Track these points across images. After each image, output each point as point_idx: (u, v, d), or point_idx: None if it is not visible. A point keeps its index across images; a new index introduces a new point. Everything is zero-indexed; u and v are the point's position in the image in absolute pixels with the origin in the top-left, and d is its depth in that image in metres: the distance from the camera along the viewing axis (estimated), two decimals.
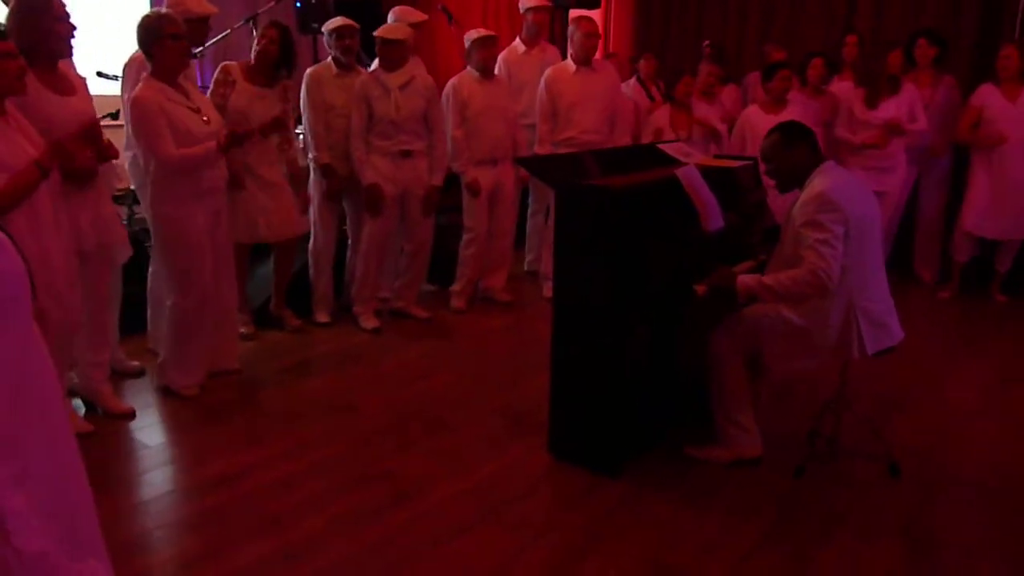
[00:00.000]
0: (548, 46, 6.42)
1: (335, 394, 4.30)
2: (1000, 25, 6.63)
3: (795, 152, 3.35)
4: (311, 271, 5.35)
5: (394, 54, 4.99)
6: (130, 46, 4.10)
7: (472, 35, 5.52)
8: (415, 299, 5.58)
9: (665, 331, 3.63)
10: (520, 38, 6.31)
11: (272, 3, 6.15)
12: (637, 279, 3.27)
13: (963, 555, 2.96)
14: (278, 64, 4.79)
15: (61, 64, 3.61)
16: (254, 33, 5.44)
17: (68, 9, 3.54)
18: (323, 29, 5.22)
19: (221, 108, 4.57)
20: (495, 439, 3.82)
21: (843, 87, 6.25)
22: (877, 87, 5.85)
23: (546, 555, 2.92)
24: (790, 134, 3.38)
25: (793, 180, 3.39)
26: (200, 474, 3.46)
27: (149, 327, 4.66)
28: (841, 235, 3.16)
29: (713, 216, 3.57)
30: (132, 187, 4.87)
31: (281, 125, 4.67)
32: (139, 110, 3.81)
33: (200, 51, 4.88)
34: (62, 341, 3.41)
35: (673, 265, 3.41)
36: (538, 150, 5.73)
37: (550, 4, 6.37)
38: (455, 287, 5.79)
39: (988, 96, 5.72)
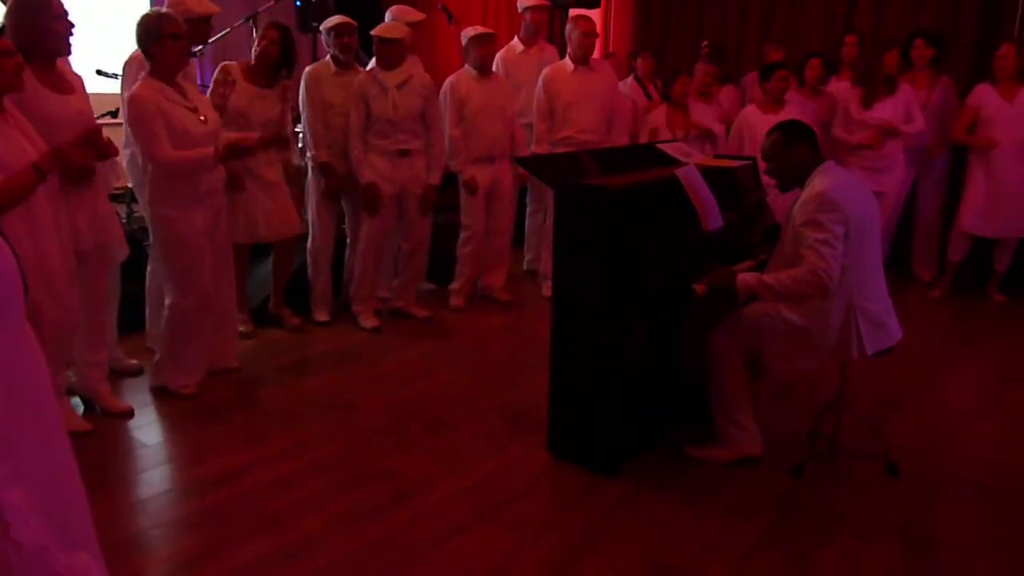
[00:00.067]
0: (546, 45, 6.42)
1: (334, 393, 4.30)
2: (1000, 24, 6.64)
3: (796, 151, 3.35)
4: (309, 270, 5.34)
5: (391, 53, 4.99)
6: (130, 45, 4.09)
7: (469, 32, 5.51)
8: (414, 298, 5.58)
9: (665, 331, 3.63)
10: (518, 37, 6.31)
11: (272, 2, 6.14)
12: (636, 279, 3.27)
13: (961, 555, 2.96)
14: (278, 65, 4.79)
15: (58, 63, 3.61)
16: (254, 32, 5.45)
17: (67, 7, 3.54)
18: (321, 28, 5.21)
19: (221, 108, 4.57)
20: (494, 438, 3.82)
21: (841, 87, 6.26)
22: (874, 87, 5.85)
23: (545, 554, 2.92)
24: (791, 133, 3.38)
25: (793, 179, 3.39)
26: (199, 473, 3.46)
27: (147, 326, 4.66)
28: (841, 235, 3.16)
29: (712, 216, 3.57)
30: (130, 185, 4.87)
31: (283, 140, 4.65)
32: (136, 109, 3.80)
33: (200, 50, 4.87)
34: (61, 341, 3.42)
35: (672, 265, 3.41)
36: (536, 149, 5.73)
37: (548, 3, 6.37)
38: (454, 286, 5.79)
39: (985, 96, 5.73)
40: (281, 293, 5.24)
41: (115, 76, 4.80)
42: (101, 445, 3.68)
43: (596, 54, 6.18)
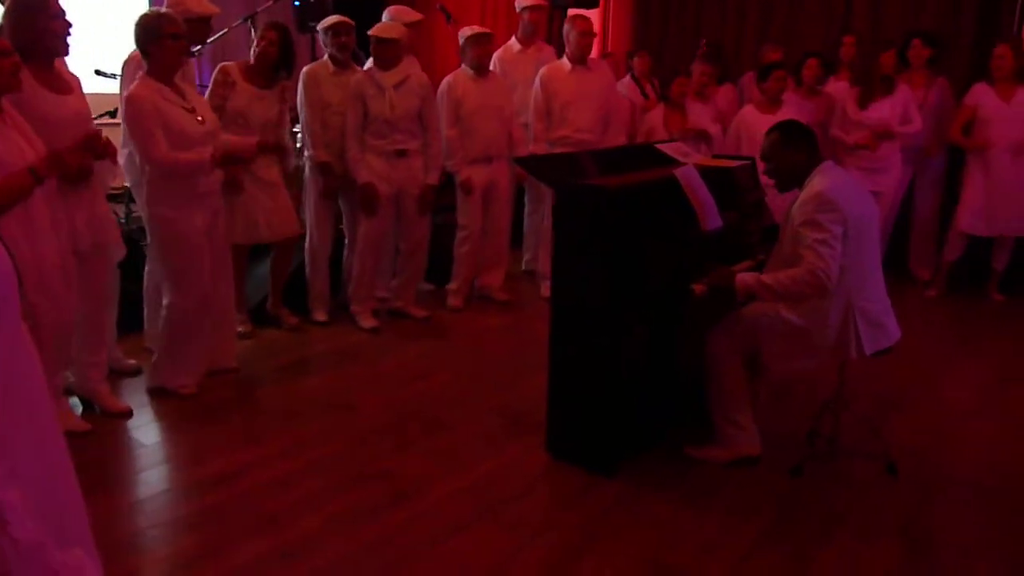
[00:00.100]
0: (544, 46, 6.41)
1: (333, 393, 4.29)
2: (999, 24, 6.64)
3: (794, 152, 3.35)
4: (307, 270, 5.34)
5: (388, 53, 4.98)
6: (129, 45, 4.09)
7: (466, 32, 5.51)
8: (413, 298, 5.57)
9: (664, 331, 3.63)
10: (516, 37, 6.31)
11: (270, 2, 6.14)
12: (635, 279, 3.27)
13: (961, 555, 2.96)
14: (277, 65, 4.78)
15: (55, 63, 3.60)
16: (252, 32, 5.44)
17: (65, 7, 3.53)
18: (318, 28, 5.21)
19: (220, 109, 4.57)
20: (493, 438, 3.81)
21: (839, 87, 6.26)
22: (870, 87, 5.85)
23: (543, 554, 2.92)
24: (789, 134, 3.38)
25: (792, 179, 3.39)
26: (197, 473, 3.45)
27: (146, 326, 4.66)
28: (840, 235, 3.16)
29: (711, 216, 3.57)
30: (127, 185, 4.86)
31: (281, 148, 4.63)
32: (134, 109, 3.80)
33: (198, 50, 4.87)
34: (58, 341, 3.41)
35: (671, 265, 3.40)
36: (533, 148, 5.72)
37: (546, 4, 6.36)
38: (451, 286, 5.79)
39: (982, 96, 5.74)
40: (279, 293, 5.23)
41: (114, 76, 4.79)
42: (100, 445, 3.67)
43: (594, 54, 6.17)
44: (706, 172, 3.71)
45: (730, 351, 3.46)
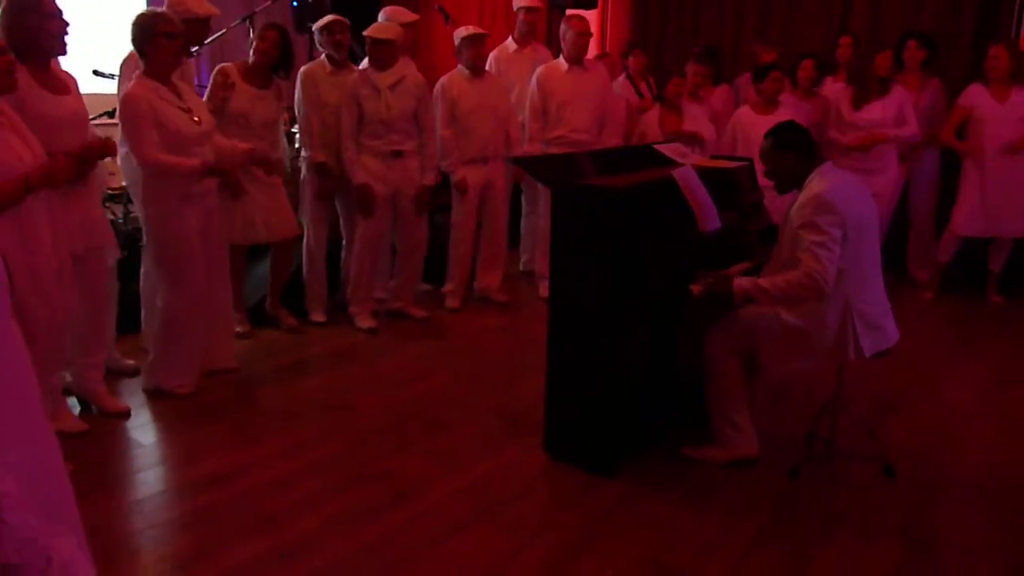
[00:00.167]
0: (540, 46, 6.42)
1: (332, 393, 4.29)
2: (998, 25, 6.65)
3: (787, 156, 3.35)
4: (305, 270, 5.33)
5: (384, 53, 4.97)
6: (127, 45, 4.08)
7: (461, 32, 5.50)
8: (411, 299, 5.57)
9: (664, 331, 3.62)
10: (512, 37, 6.32)
11: (268, 2, 6.14)
12: (633, 279, 3.27)
13: (963, 555, 2.96)
14: (276, 66, 4.78)
15: (52, 63, 3.59)
16: (251, 32, 5.43)
17: (62, 7, 3.52)
18: (313, 28, 5.20)
19: (220, 111, 4.56)
20: (491, 439, 3.81)
21: (836, 88, 6.26)
22: (865, 88, 5.85)
23: (542, 554, 2.92)
24: (781, 137, 3.38)
25: (790, 181, 3.39)
26: (195, 473, 3.45)
27: (143, 326, 4.65)
28: (838, 238, 3.16)
29: (710, 217, 3.57)
30: (124, 184, 4.85)
31: (269, 163, 4.59)
32: (129, 108, 3.79)
33: (197, 50, 4.86)
34: (53, 341, 3.38)
35: (670, 265, 3.40)
36: (528, 148, 5.73)
37: (543, 5, 6.36)
38: (447, 287, 5.78)
39: (977, 96, 5.74)
40: (278, 294, 5.23)
41: (112, 76, 4.79)
42: (98, 445, 3.67)
43: (590, 54, 6.17)
44: (704, 173, 3.71)
45: (728, 352, 3.46)
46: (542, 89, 5.76)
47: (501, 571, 2.83)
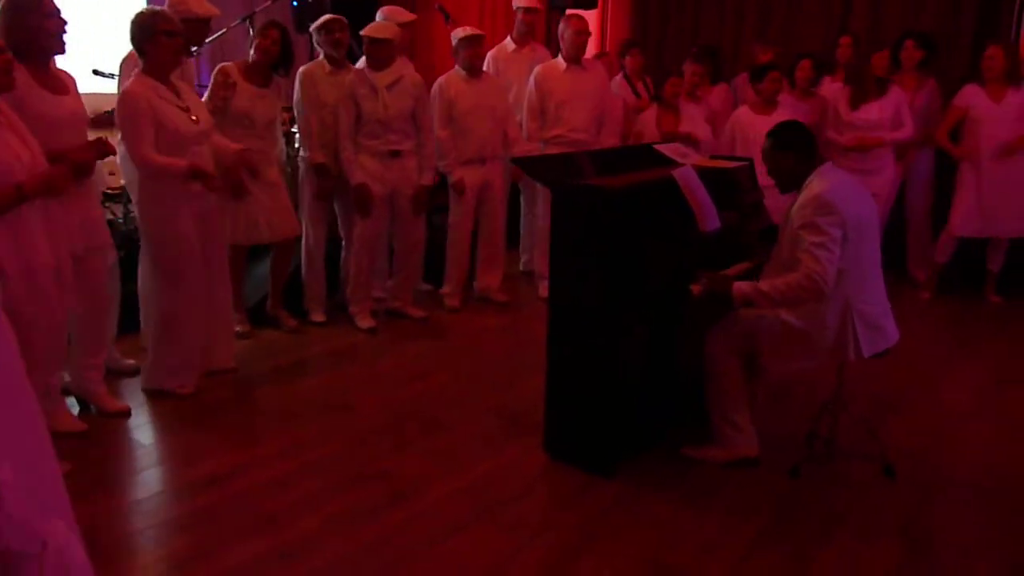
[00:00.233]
0: (538, 46, 6.43)
1: (331, 393, 4.29)
2: (998, 26, 6.65)
3: (787, 155, 3.36)
4: (304, 270, 5.33)
5: (381, 53, 4.97)
6: (127, 44, 4.08)
7: (459, 33, 5.50)
8: (410, 299, 5.57)
9: (664, 331, 3.63)
10: (511, 37, 6.32)
11: (268, 2, 6.14)
12: (632, 279, 3.27)
13: (961, 555, 2.96)
14: (276, 64, 4.78)
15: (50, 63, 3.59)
16: (251, 32, 5.43)
17: (62, 7, 3.52)
18: (311, 28, 5.20)
19: (222, 111, 4.56)
20: (491, 439, 3.81)
21: (834, 88, 6.26)
22: (863, 88, 5.85)
23: (542, 554, 2.92)
24: (781, 138, 3.38)
25: (790, 182, 3.39)
26: (195, 473, 3.44)
27: (142, 326, 4.65)
28: (838, 238, 3.16)
29: (709, 217, 3.57)
30: (123, 183, 4.85)
31: (252, 165, 4.58)
32: (127, 106, 3.79)
33: (196, 50, 4.86)
34: (51, 341, 3.37)
35: (670, 265, 3.40)
36: (526, 147, 5.72)
37: (542, 7, 6.36)
38: (445, 288, 5.78)
39: (973, 96, 5.74)
40: (279, 294, 5.22)
41: (111, 76, 4.79)
42: (98, 445, 3.67)
43: (589, 54, 6.17)
44: (704, 173, 3.71)
45: (728, 352, 3.46)
46: (540, 88, 5.76)
47: (500, 571, 2.83)
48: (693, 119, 5.97)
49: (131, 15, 3.89)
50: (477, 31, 5.56)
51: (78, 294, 3.57)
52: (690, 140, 5.65)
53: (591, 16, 7.25)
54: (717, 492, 3.36)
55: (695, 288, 3.30)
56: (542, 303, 5.29)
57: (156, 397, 4.15)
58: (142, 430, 3.86)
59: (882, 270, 3.43)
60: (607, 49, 8.62)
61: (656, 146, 4.20)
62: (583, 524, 3.10)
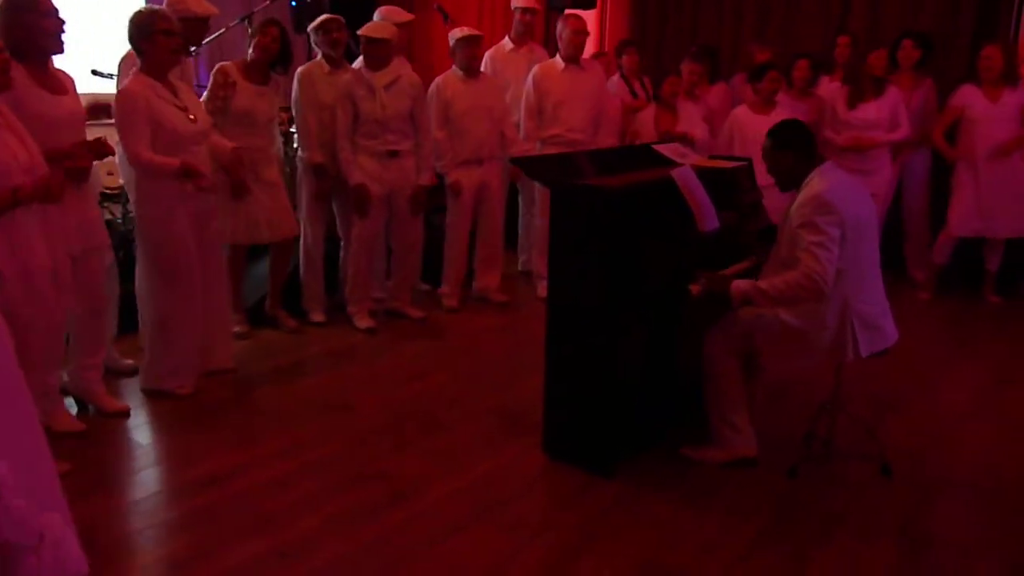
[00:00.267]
0: (536, 46, 6.43)
1: (330, 393, 4.29)
2: (997, 25, 6.65)
3: (786, 154, 3.36)
4: (302, 270, 5.33)
5: (379, 53, 4.97)
6: (126, 44, 4.08)
7: (456, 34, 5.50)
8: (409, 299, 5.57)
9: (663, 331, 3.63)
10: (509, 36, 6.32)
11: (267, 2, 6.13)
12: (631, 279, 3.27)
13: (961, 555, 2.96)
14: (274, 62, 4.78)
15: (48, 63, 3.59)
16: (249, 32, 5.43)
17: (61, 7, 3.51)
18: (308, 29, 5.20)
19: (222, 110, 4.56)
20: (490, 439, 3.81)
21: (832, 87, 6.26)
22: (860, 87, 5.85)
23: (542, 554, 2.92)
24: (780, 137, 3.39)
25: (790, 181, 3.39)
26: (194, 473, 3.44)
27: (141, 326, 4.64)
28: (837, 238, 3.16)
29: (708, 217, 3.57)
30: (121, 182, 4.84)
31: (235, 165, 4.56)
32: (124, 104, 3.79)
33: (195, 50, 4.86)
34: (49, 341, 3.37)
35: (669, 265, 3.40)
36: (524, 147, 5.72)
37: (541, 7, 6.36)
38: (444, 288, 5.78)
39: (969, 96, 5.75)
40: (278, 294, 5.22)
41: (110, 76, 4.78)
42: (96, 445, 3.66)
43: (587, 53, 6.17)
44: (703, 173, 3.71)
45: (727, 352, 3.46)
46: (538, 88, 5.76)
47: (500, 571, 2.83)
48: (691, 118, 5.96)
49: (130, 15, 3.89)
50: (474, 32, 5.56)
51: (76, 295, 3.57)
52: (686, 140, 5.65)
53: (590, 16, 7.25)
54: (717, 492, 3.36)
55: (694, 288, 3.30)
56: (541, 303, 5.28)
57: (155, 397, 4.14)
58: (141, 430, 3.86)
59: (881, 270, 3.43)
60: (606, 49, 8.62)
61: (655, 146, 4.20)
62: (583, 524, 3.10)
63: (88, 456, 3.52)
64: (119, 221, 5.44)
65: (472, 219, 5.73)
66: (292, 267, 5.28)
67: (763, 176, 3.92)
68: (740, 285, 3.26)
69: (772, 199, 4.02)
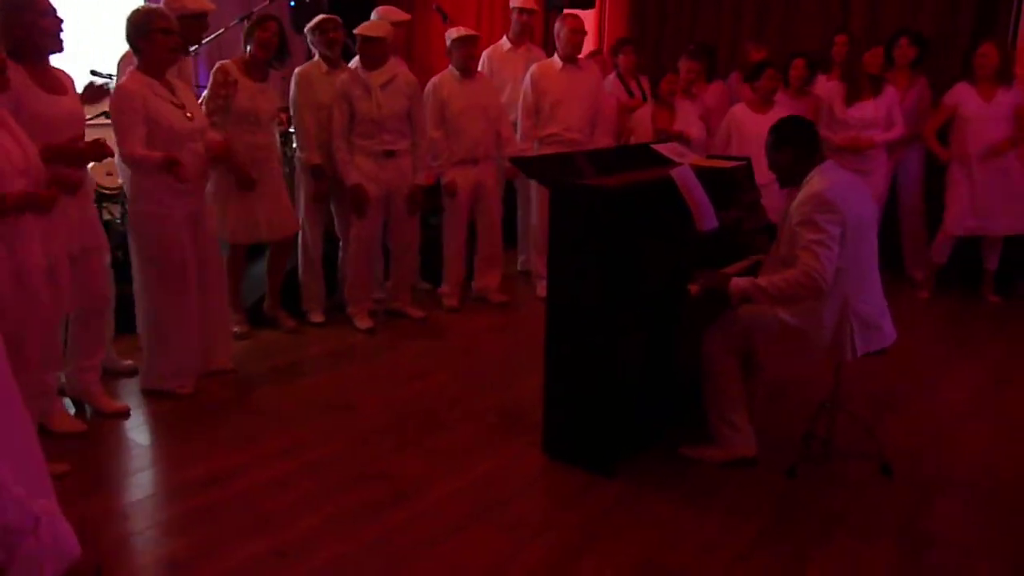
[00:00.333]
0: (534, 46, 6.45)
1: (330, 393, 4.28)
2: (996, 24, 6.65)
3: (786, 151, 3.36)
4: (301, 270, 5.32)
5: (375, 52, 4.96)
6: (125, 45, 4.08)
7: (452, 34, 5.50)
8: (409, 299, 5.57)
9: (663, 331, 3.63)
10: (507, 36, 6.32)
11: (266, 2, 6.13)
12: (630, 279, 3.27)
13: (961, 555, 2.96)
14: (273, 57, 4.77)
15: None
16: (245, 30, 5.42)
17: (60, 7, 3.50)
18: (305, 30, 5.19)
19: (223, 109, 4.56)
20: (490, 439, 3.81)
21: (829, 86, 6.26)
22: (857, 86, 5.85)
23: (542, 554, 2.92)
24: (780, 133, 3.39)
25: (790, 178, 3.39)
26: (194, 473, 3.44)
27: (139, 326, 4.63)
28: (837, 236, 3.16)
29: (707, 216, 3.57)
30: (120, 182, 4.84)
31: (227, 161, 4.54)
32: (121, 101, 3.79)
33: (195, 49, 4.85)
34: (45, 339, 3.35)
35: (668, 265, 3.41)
36: (521, 146, 5.72)
37: (539, 8, 6.36)
38: (444, 288, 5.78)
39: (963, 95, 5.75)
40: (277, 294, 5.21)
41: (109, 76, 4.78)
42: (95, 445, 3.66)
43: (584, 53, 6.17)
44: (702, 172, 3.71)
45: (725, 350, 3.46)
46: (536, 87, 5.76)
47: (501, 571, 2.83)
48: (688, 116, 5.97)
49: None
50: (471, 32, 5.56)
51: (74, 295, 3.56)
52: (683, 138, 5.66)
53: (589, 15, 7.25)
54: (717, 492, 3.36)
55: (693, 288, 3.30)
56: (540, 303, 5.28)
57: (154, 397, 4.14)
58: (140, 431, 3.85)
59: (879, 270, 3.43)
60: (604, 48, 8.62)
61: (654, 146, 4.20)
62: (583, 524, 3.10)
63: (87, 456, 3.52)
64: (118, 221, 5.44)
65: (469, 218, 5.72)
66: (290, 267, 5.27)
67: (762, 175, 3.93)
68: (739, 282, 3.26)
69: (771, 198, 4.02)
